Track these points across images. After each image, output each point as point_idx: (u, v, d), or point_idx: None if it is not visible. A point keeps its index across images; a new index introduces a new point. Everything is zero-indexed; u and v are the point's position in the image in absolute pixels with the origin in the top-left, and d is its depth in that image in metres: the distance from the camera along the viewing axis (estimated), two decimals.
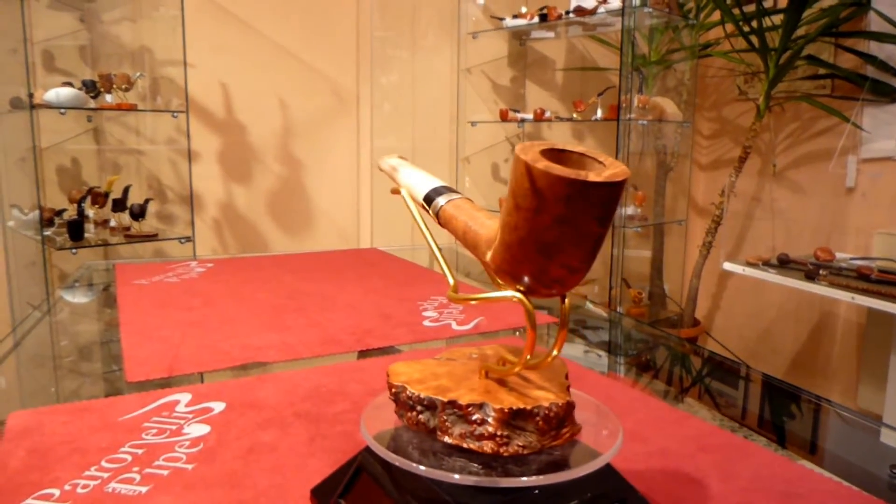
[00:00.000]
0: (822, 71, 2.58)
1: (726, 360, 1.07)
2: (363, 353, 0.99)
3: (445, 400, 0.48)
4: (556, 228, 0.42)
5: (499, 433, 0.46)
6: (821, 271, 2.03)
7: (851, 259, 2.18)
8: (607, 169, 0.43)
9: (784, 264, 2.19)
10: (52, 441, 0.68)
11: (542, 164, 0.42)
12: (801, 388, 0.89)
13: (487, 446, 0.47)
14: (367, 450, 0.52)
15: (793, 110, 2.72)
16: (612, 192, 0.42)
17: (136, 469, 0.62)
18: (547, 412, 0.47)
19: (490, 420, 0.47)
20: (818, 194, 2.66)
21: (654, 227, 2.95)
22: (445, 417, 0.48)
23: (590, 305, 1.58)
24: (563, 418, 0.48)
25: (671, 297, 3.06)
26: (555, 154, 0.45)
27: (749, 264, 2.25)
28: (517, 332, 1.12)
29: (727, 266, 2.33)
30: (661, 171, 2.95)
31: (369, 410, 0.54)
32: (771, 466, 0.62)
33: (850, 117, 2.43)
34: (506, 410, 0.46)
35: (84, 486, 0.59)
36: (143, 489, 0.59)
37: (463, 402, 0.48)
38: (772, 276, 2.14)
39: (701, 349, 1.34)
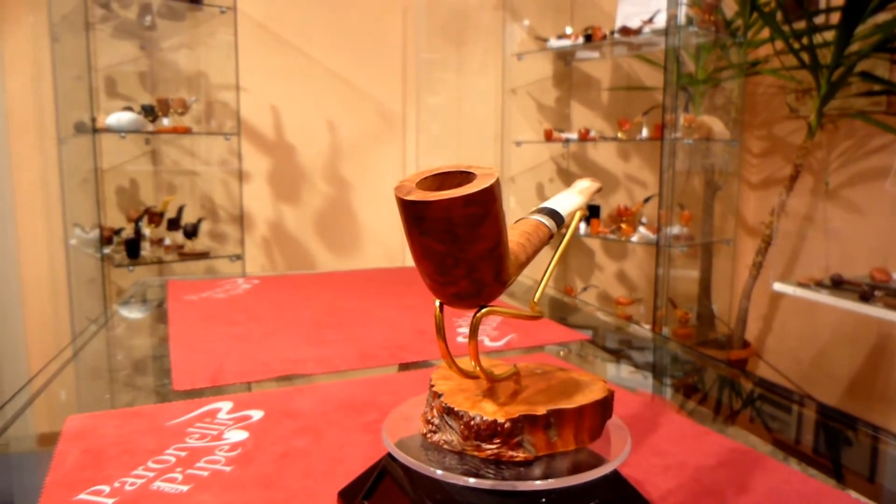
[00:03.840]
0: (876, 87, 2.51)
1: (772, 384, 1.06)
2: (403, 367, 1.01)
3: (431, 384, 0.56)
4: (408, 240, 0.47)
5: (432, 421, 0.53)
6: (876, 292, 1.97)
7: None
8: (455, 189, 0.45)
9: (837, 285, 2.13)
10: (104, 442, 0.72)
11: (398, 184, 0.47)
12: (855, 416, 0.87)
13: (423, 427, 0.54)
14: (390, 455, 0.55)
15: (846, 127, 2.65)
16: (435, 210, 0.44)
17: (178, 470, 0.66)
18: (469, 420, 0.50)
19: (434, 409, 0.53)
20: (873, 213, 2.58)
21: (701, 246, 2.91)
22: (428, 398, 0.56)
23: (634, 326, 1.58)
24: (486, 433, 0.49)
25: (720, 318, 3.00)
26: (457, 175, 0.48)
27: (801, 285, 2.19)
28: (561, 352, 1.13)
29: (778, 287, 2.28)
30: (708, 190, 2.91)
31: (392, 418, 0.57)
32: (789, 482, 0.62)
33: None
34: (442, 405, 0.52)
35: (132, 484, 0.63)
36: (185, 488, 0.62)
37: (435, 389, 0.55)
38: (824, 298, 2.08)
39: (745, 372, 1.31)
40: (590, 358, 1.14)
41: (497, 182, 0.46)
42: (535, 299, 0.57)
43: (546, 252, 0.65)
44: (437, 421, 0.52)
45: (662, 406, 0.88)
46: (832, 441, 0.85)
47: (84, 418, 0.79)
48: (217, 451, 0.70)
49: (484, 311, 0.51)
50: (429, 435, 0.53)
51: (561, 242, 0.62)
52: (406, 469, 0.52)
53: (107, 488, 0.62)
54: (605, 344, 1.26)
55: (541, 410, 0.50)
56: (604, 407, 0.53)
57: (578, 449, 0.52)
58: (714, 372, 1.14)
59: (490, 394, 0.54)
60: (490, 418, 0.49)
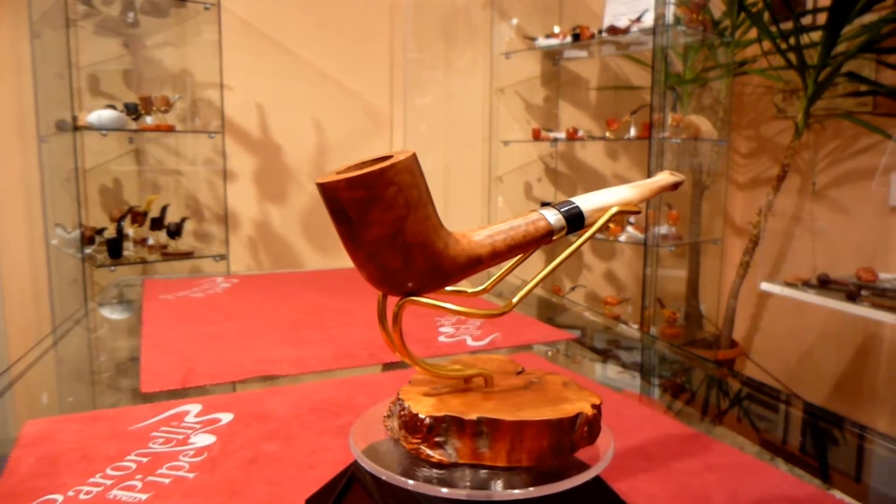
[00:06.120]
0: (863, 88, 2.51)
1: (759, 383, 1.04)
2: (387, 367, 0.98)
3: (409, 380, 0.56)
4: None
5: (389, 408, 0.53)
6: (863, 292, 1.96)
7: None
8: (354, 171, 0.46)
9: (824, 285, 2.12)
10: (62, 448, 0.69)
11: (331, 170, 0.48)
12: (841, 415, 0.85)
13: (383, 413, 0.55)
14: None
15: (833, 128, 2.65)
16: (325, 191, 0.46)
17: (139, 477, 0.63)
18: (402, 411, 0.50)
19: (395, 398, 0.53)
20: (860, 213, 2.58)
21: (689, 246, 2.90)
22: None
23: (622, 325, 1.56)
24: (410, 425, 0.49)
25: (707, 317, 2.99)
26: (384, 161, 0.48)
27: (788, 284, 2.18)
28: (549, 352, 1.10)
29: (765, 286, 2.27)
30: (696, 190, 2.90)
31: (361, 421, 0.54)
32: (780, 486, 0.59)
33: (892, 135, 2.36)
34: (397, 396, 0.52)
35: (87, 493, 0.60)
36: (144, 496, 0.59)
37: (413, 377, 0.56)
38: (811, 297, 2.07)
39: (733, 372, 1.30)
40: (577, 358, 1.12)
41: (395, 168, 0.44)
42: (515, 299, 0.53)
43: (544, 252, 0.60)
44: (392, 409, 0.53)
45: (649, 406, 0.86)
46: (819, 441, 0.84)
47: (43, 423, 0.76)
48: (181, 457, 0.67)
49: (403, 300, 0.50)
50: (382, 419, 0.53)
51: (576, 241, 0.54)
52: (376, 476, 0.49)
53: (60, 497, 0.59)
54: (592, 344, 1.23)
55: (471, 415, 0.47)
56: (557, 430, 0.46)
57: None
58: (702, 372, 1.12)
59: (452, 390, 0.53)
60: (414, 411, 0.49)
